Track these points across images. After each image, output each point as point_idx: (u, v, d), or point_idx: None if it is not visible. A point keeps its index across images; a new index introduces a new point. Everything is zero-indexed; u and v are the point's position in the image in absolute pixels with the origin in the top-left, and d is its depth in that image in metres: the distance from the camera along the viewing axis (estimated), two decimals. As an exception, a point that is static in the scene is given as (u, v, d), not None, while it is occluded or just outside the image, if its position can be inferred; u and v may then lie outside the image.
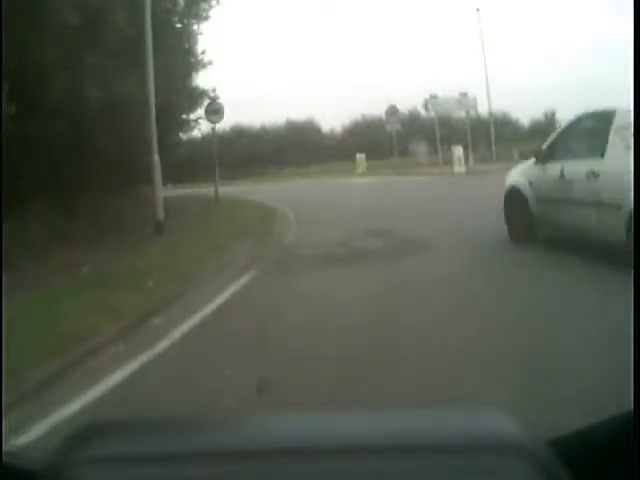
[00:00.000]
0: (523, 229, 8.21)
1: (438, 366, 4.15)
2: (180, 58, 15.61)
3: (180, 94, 15.63)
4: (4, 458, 0.87)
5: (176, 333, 5.53)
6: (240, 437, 0.86)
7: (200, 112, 18.21)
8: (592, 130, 7.25)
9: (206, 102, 18.17)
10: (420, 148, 32.31)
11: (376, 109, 36.81)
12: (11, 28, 8.48)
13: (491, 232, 9.03)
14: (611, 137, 6.58)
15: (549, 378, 3.75)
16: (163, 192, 12.36)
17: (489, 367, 4.03)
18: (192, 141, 24.49)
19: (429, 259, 8.06)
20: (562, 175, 7.34)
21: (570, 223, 7.27)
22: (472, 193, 16.68)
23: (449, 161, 25.35)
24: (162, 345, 5.22)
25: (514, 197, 8.43)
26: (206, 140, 23.03)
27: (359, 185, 23.52)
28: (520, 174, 8.58)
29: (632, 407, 0.84)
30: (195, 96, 17.47)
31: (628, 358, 1.13)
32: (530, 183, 8.15)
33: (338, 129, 43.02)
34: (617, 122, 6.55)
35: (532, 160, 8.33)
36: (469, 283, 6.54)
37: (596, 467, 0.84)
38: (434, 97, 32.99)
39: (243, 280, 7.59)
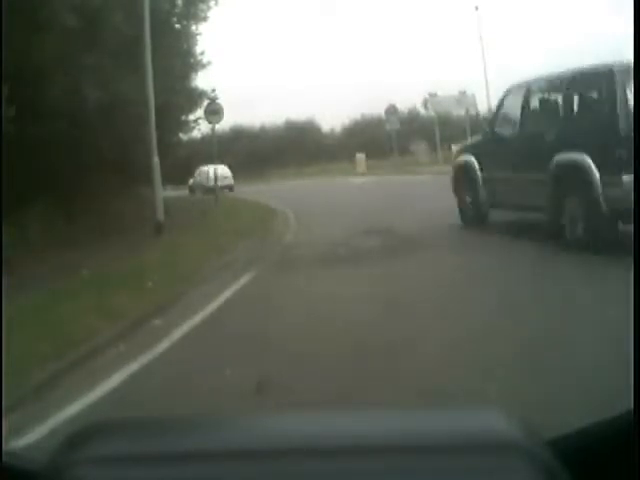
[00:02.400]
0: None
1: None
2: (179, 59, 15.61)
3: (179, 95, 15.63)
4: (4, 458, 0.86)
5: (176, 334, 5.53)
6: (240, 437, 0.86)
7: (199, 113, 18.17)
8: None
9: (205, 102, 18.14)
10: (420, 147, 32.25)
11: (376, 108, 36.84)
12: (10, 30, 8.48)
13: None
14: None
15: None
16: (163, 193, 12.37)
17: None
18: (192, 141, 24.46)
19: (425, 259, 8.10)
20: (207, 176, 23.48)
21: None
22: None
23: (449, 160, 25.24)
24: (162, 346, 5.22)
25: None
26: (206, 140, 22.97)
27: (359, 185, 23.49)
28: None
29: (632, 407, 0.83)
30: (194, 97, 17.46)
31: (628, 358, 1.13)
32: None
33: (338, 129, 43.08)
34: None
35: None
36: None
37: (596, 467, 0.83)
38: (433, 96, 33.02)
39: (243, 280, 7.59)
